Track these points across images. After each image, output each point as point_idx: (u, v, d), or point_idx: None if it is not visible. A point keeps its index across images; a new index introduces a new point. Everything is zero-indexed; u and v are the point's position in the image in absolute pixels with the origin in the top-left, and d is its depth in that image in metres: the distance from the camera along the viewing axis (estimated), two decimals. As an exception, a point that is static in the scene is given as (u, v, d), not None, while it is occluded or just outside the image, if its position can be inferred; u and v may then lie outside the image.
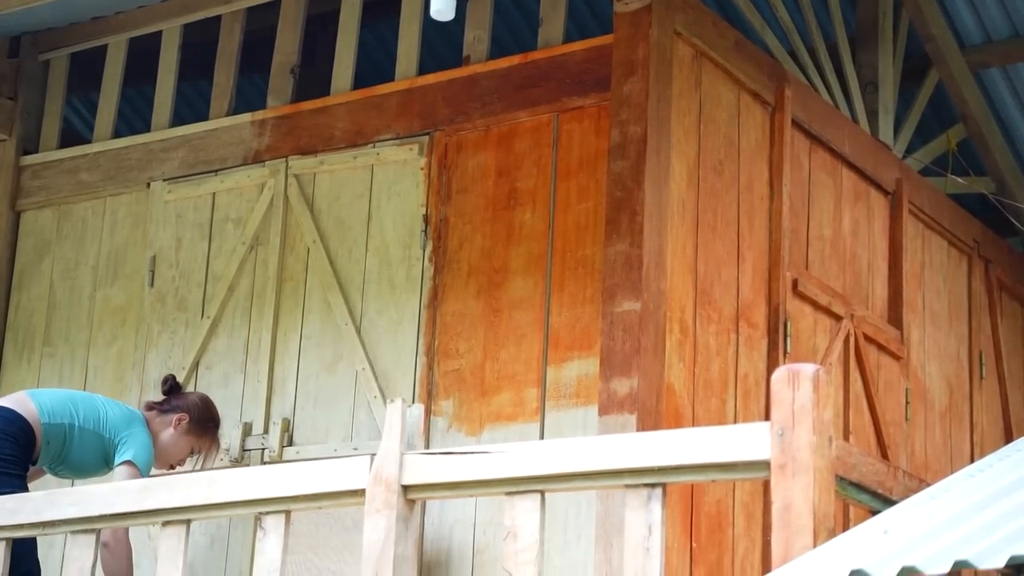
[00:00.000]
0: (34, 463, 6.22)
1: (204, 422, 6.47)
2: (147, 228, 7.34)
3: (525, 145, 6.43)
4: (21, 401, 6.20)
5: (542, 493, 4.19)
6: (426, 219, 6.56)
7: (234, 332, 6.95)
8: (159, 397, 6.56)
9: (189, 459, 6.51)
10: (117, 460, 6.20)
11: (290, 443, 6.64)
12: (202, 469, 6.49)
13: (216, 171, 7.22)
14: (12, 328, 7.63)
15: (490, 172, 6.48)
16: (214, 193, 7.20)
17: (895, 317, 7.51)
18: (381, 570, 4.31)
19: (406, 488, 4.37)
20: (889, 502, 4.07)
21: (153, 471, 6.35)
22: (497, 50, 6.83)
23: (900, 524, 3.66)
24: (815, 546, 3.66)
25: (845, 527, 5.87)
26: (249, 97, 8.06)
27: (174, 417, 6.41)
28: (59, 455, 6.26)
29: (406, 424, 4.43)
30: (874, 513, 4.04)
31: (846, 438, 6.96)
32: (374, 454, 4.44)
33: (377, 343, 6.56)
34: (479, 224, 6.44)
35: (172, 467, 6.50)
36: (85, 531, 4.91)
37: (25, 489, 5.99)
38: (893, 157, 7.79)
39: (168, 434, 6.40)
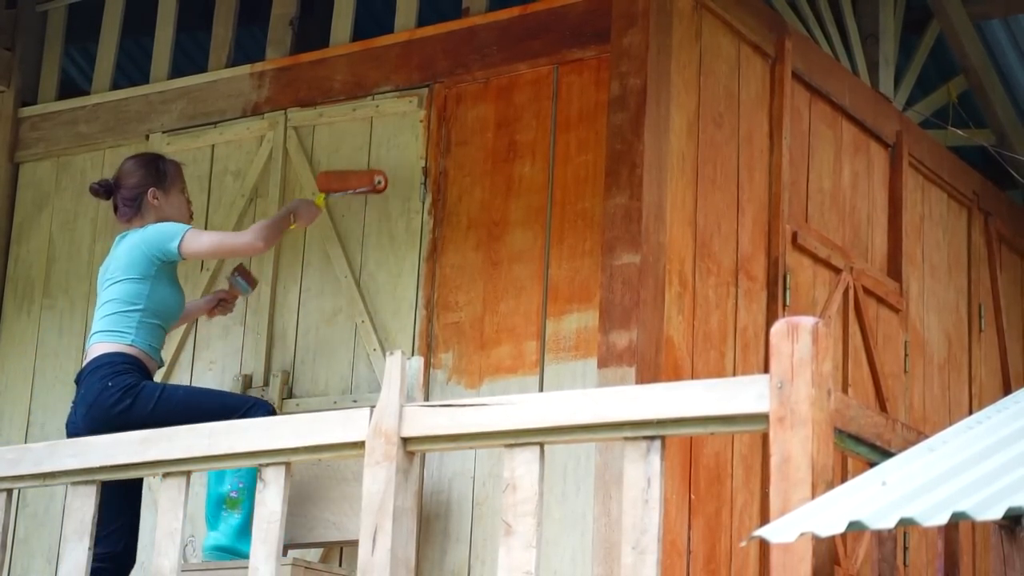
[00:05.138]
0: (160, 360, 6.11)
1: (156, 172, 6.21)
2: (146, 180, 7.32)
3: (525, 97, 6.41)
4: (98, 347, 5.96)
5: (541, 445, 4.20)
6: (425, 172, 6.55)
7: (233, 284, 6.94)
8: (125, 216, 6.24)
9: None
10: (175, 248, 5.96)
11: (290, 395, 6.65)
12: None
13: (215, 123, 7.20)
14: (12, 280, 7.62)
15: (489, 124, 6.47)
16: (213, 145, 7.18)
17: (894, 270, 7.52)
18: (381, 522, 4.32)
19: (406, 440, 4.38)
20: (887, 454, 4.08)
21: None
22: (496, 2, 6.81)
23: (898, 476, 3.67)
24: (813, 498, 3.67)
25: (843, 479, 5.88)
26: (248, 49, 8.03)
27: (145, 200, 6.16)
28: (164, 322, 6.05)
29: (406, 376, 4.43)
30: (872, 465, 4.05)
31: (845, 390, 6.97)
32: (374, 406, 4.44)
33: (376, 296, 6.56)
34: (478, 177, 6.43)
35: (191, 216, 6.31)
36: (85, 482, 4.92)
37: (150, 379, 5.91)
38: (893, 109, 7.77)
39: (161, 211, 6.16)
